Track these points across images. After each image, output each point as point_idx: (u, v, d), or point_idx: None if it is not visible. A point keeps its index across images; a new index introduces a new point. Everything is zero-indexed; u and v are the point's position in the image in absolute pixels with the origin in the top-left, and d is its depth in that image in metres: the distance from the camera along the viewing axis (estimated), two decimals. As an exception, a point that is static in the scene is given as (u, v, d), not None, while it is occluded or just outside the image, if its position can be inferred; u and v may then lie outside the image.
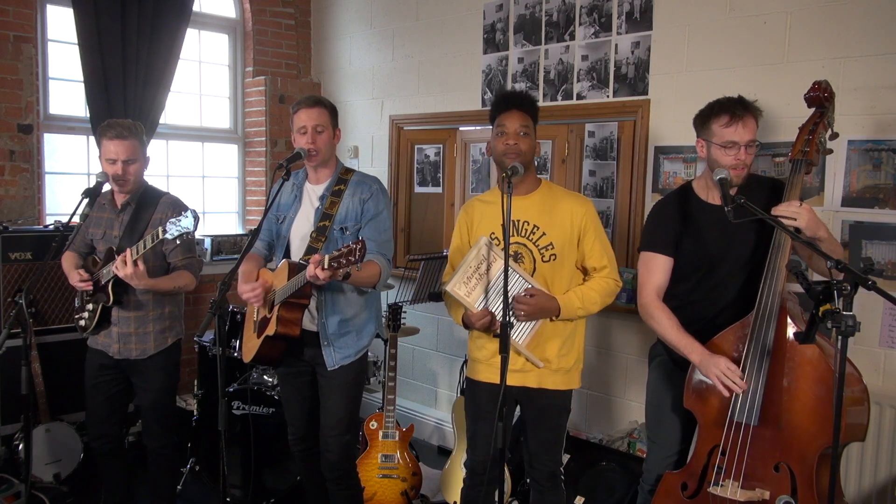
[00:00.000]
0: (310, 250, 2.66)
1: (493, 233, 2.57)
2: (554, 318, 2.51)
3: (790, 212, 2.21)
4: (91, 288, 2.94)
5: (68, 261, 3.08)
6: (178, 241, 2.63)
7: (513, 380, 2.52)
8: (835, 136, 2.43)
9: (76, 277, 2.93)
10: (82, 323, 3.00)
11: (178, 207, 2.93)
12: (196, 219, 2.59)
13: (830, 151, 2.49)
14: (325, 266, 2.29)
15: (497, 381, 2.54)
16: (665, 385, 2.61)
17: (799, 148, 2.35)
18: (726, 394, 2.26)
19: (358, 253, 2.24)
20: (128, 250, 2.71)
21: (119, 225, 2.97)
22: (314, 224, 2.71)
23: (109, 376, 3.02)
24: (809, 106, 2.41)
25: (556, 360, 2.56)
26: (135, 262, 2.69)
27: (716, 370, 2.27)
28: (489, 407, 2.57)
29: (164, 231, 2.58)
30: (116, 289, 2.87)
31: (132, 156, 2.87)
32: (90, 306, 2.96)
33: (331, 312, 2.70)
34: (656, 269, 2.51)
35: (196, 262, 3.01)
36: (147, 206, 2.95)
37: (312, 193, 2.78)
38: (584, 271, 2.62)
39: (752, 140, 2.34)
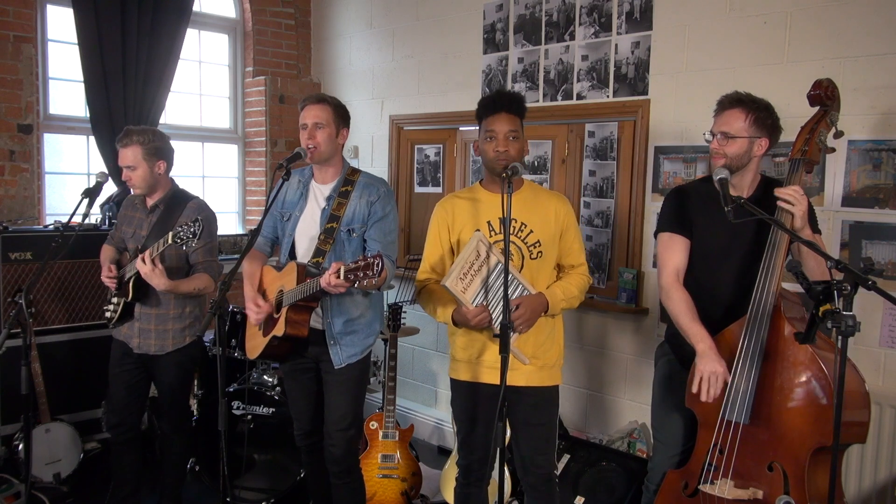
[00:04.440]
0: (318, 252, 2.67)
1: (477, 230, 2.55)
2: (543, 313, 2.52)
3: (793, 197, 2.22)
4: (114, 285, 3.07)
5: (105, 253, 3.25)
6: (184, 248, 2.75)
7: (497, 379, 2.50)
8: (839, 134, 2.42)
9: (105, 272, 3.07)
10: (108, 315, 3.13)
11: (201, 212, 3.05)
12: (203, 227, 2.70)
13: (833, 150, 2.48)
14: (341, 277, 2.31)
15: (489, 380, 2.55)
16: (670, 385, 2.60)
17: (798, 147, 2.36)
18: (694, 389, 2.28)
19: (375, 268, 2.24)
20: (147, 250, 2.85)
21: (147, 225, 3.08)
22: (321, 225, 2.71)
23: (130, 366, 3.12)
24: (812, 105, 2.42)
25: (542, 356, 2.57)
26: (153, 261, 2.82)
27: (706, 368, 2.27)
28: (482, 407, 2.57)
29: (174, 236, 2.70)
30: (137, 286, 2.99)
31: (130, 162, 3.00)
32: (115, 300, 3.10)
33: (336, 313, 2.71)
34: (675, 249, 2.52)
35: (216, 265, 3.11)
36: (175, 209, 3.07)
37: (319, 193, 2.78)
38: (559, 268, 2.64)
39: (724, 132, 2.37)
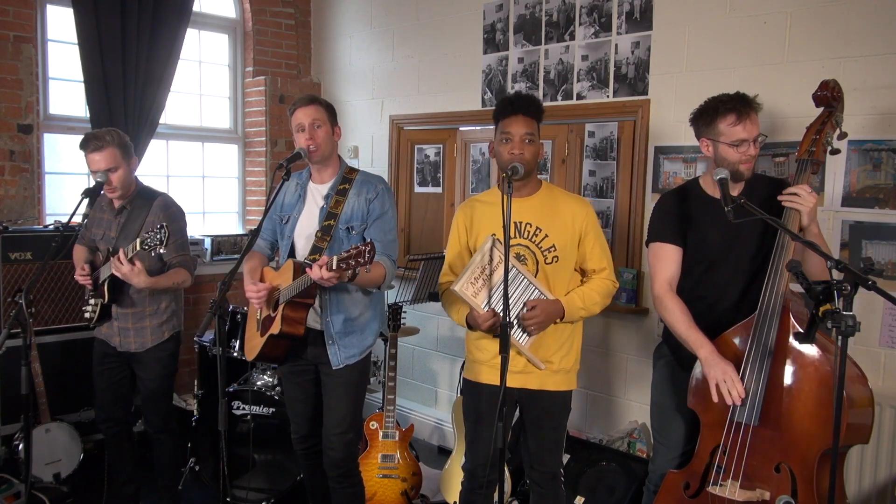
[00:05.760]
0: (315, 249, 2.66)
1: (493, 234, 2.55)
2: (558, 320, 2.51)
3: (802, 195, 2.23)
4: (90, 283, 3.08)
5: (78, 253, 3.26)
6: (152, 254, 2.75)
7: (514, 381, 2.51)
8: (843, 135, 2.42)
9: (79, 271, 3.08)
10: (87, 315, 3.14)
11: (167, 209, 3.07)
12: (168, 232, 2.68)
13: (838, 151, 2.47)
14: (334, 267, 2.30)
15: (490, 381, 2.56)
16: (670, 386, 2.61)
17: (805, 147, 2.35)
18: (716, 399, 2.26)
19: (367, 254, 2.23)
20: (121, 250, 2.83)
21: (116, 226, 3.09)
22: (319, 223, 2.70)
23: (112, 364, 3.17)
24: (818, 105, 2.41)
25: (558, 361, 2.56)
26: (130, 261, 2.81)
27: (717, 372, 2.26)
28: (490, 409, 2.55)
29: (142, 243, 2.71)
30: (112, 288, 3.02)
31: (112, 164, 2.98)
32: (92, 301, 3.11)
33: (335, 311, 2.70)
34: (667, 259, 2.51)
35: (190, 259, 3.14)
36: (142, 208, 3.07)
37: (317, 193, 2.78)
38: (582, 272, 2.63)
39: (759, 134, 2.36)
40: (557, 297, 2.50)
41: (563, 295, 2.53)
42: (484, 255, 2.48)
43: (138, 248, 2.72)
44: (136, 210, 3.06)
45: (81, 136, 4.34)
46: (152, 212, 3.04)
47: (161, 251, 2.70)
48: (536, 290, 2.49)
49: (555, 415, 2.62)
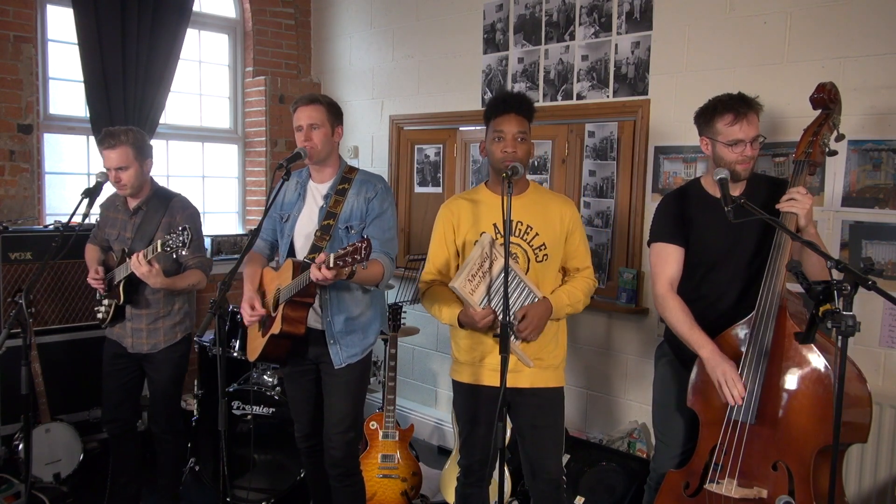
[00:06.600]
0: (314, 249, 2.66)
1: (483, 232, 2.54)
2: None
3: (798, 198, 2.24)
4: (103, 287, 3.08)
5: (90, 253, 3.26)
6: (174, 255, 2.76)
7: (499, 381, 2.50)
8: (841, 137, 2.43)
9: (92, 274, 3.08)
10: (100, 316, 3.14)
11: (184, 210, 3.08)
12: (191, 234, 2.69)
13: (835, 153, 2.47)
14: (331, 265, 2.30)
15: (492, 382, 2.54)
16: (671, 384, 2.61)
17: (802, 149, 2.36)
18: (724, 399, 2.28)
19: (364, 251, 2.24)
20: (141, 252, 2.84)
21: (132, 227, 3.09)
22: (318, 223, 2.71)
23: (122, 365, 3.16)
24: (815, 108, 2.42)
25: (547, 357, 2.57)
26: (149, 262, 2.82)
27: (718, 374, 2.28)
28: (487, 409, 2.55)
29: (163, 245, 2.71)
30: (127, 289, 3.02)
31: (122, 163, 2.98)
32: (106, 302, 3.11)
33: (336, 311, 2.71)
34: (669, 259, 2.52)
35: (206, 261, 3.15)
36: (157, 209, 3.08)
37: (316, 192, 2.78)
38: (563, 271, 2.64)
39: (757, 135, 2.36)
40: (546, 296, 2.51)
41: (550, 293, 2.54)
42: (483, 251, 2.47)
43: (159, 248, 2.72)
44: (152, 211, 3.07)
45: (81, 136, 4.44)
46: (168, 213, 3.06)
47: (183, 253, 2.72)
48: (527, 289, 2.48)
49: (549, 412, 2.61)
